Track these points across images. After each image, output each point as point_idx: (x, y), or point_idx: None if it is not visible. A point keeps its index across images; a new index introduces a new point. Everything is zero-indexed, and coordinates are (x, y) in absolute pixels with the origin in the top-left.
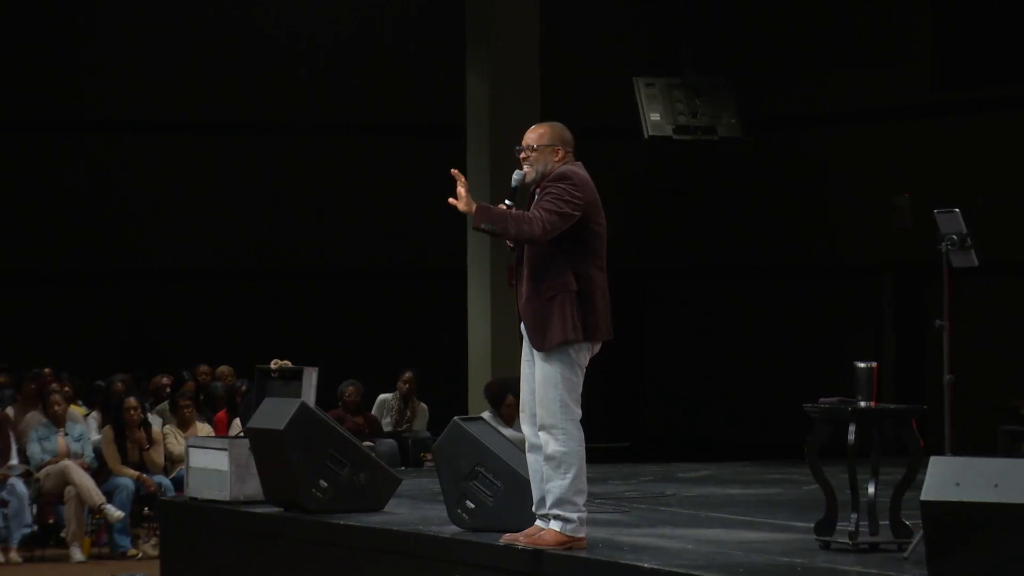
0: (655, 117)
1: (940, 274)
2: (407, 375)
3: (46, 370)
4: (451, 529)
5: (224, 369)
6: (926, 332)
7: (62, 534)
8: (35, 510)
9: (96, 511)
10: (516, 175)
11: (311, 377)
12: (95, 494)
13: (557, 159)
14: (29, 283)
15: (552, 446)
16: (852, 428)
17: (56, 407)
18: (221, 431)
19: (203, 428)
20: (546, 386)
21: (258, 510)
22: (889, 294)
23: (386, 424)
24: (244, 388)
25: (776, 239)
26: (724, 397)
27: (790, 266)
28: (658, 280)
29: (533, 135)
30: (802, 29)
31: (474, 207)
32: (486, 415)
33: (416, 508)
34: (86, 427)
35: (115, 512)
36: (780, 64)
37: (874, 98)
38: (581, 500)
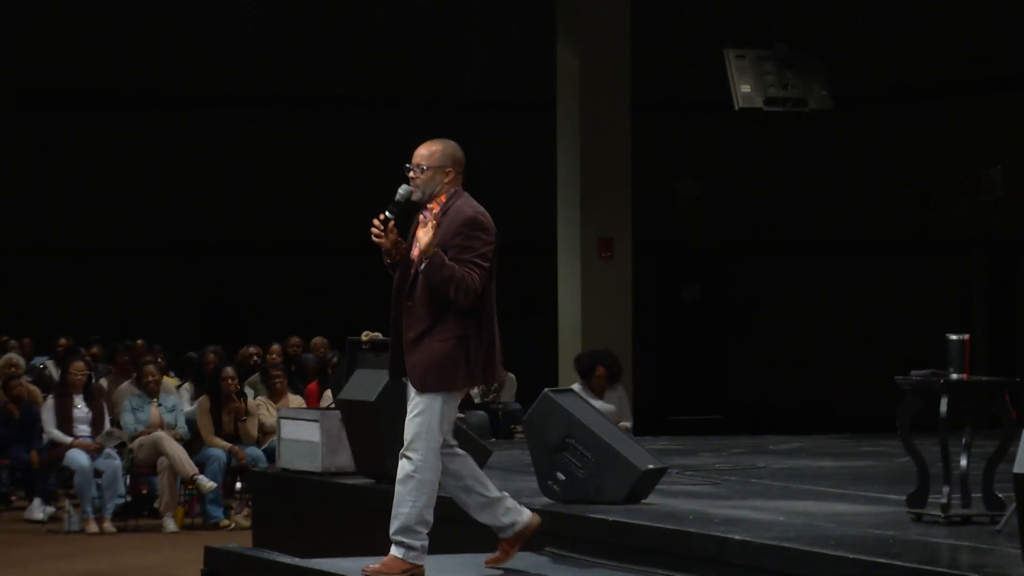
0: (745, 89)
1: None
2: None
3: (138, 342)
4: (542, 501)
5: (317, 340)
6: (1018, 304)
7: (155, 504)
8: (128, 481)
9: (189, 482)
10: (403, 189)
11: None
12: (188, 465)
13: (447, 180)
14: (121, 257)
15: (406, 468)
16: (944, 400)
17: (150, 378)
18: (312, 403)
19: (294, 400)
20: (421, 413)
21: (349, 481)
22: (981, 266)
23: (474, 395)
24: (335, 360)
25: (866, 212)
26: (815, 370)
27: (881, 239)
28: (748, 252)
29: (424, 153)
30: (892, 1)
31: (435, 251)
32: (576, 387)
33: (507, 480)
34: (179, 398)
35: (207, 483)
36: (871, 35)
37: (965, 69)
38: (425, 529)
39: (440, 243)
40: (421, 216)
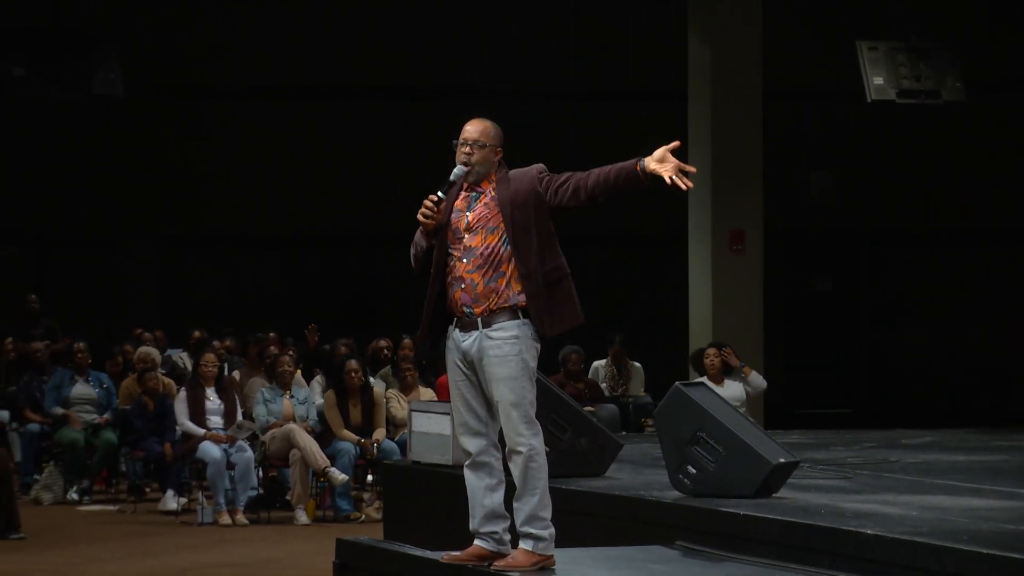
0: (878, 81)
1: None
2: (616, 347)
3: (270, 335)
4: (672, 494)
5: None
6: None
7: (287, 497)
8: (260, 473)
9: (320, 474)
10: (459, 170)
11: None
12: (319, 458)
13: (497, 159)
14: (252, 250)
15: (520, 461)
16: None
17: (284, 368)
18: (443, 395)
19: (425, 392)
20: (516, 405)
21: None
22: None
23: (605, 389)
24: None
25: (999, 203)
26: (948, 362)
27: (1016, 230)
28: (880, 244)
29: (478, 129)
30: None
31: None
32: (703, 379)
33: (637, 473)
34: (310, 391)
35: (339, 476)
36: (1006, 26)
37: None
38: (549, 515)
39: (527, 193)
40: (464, 193)
